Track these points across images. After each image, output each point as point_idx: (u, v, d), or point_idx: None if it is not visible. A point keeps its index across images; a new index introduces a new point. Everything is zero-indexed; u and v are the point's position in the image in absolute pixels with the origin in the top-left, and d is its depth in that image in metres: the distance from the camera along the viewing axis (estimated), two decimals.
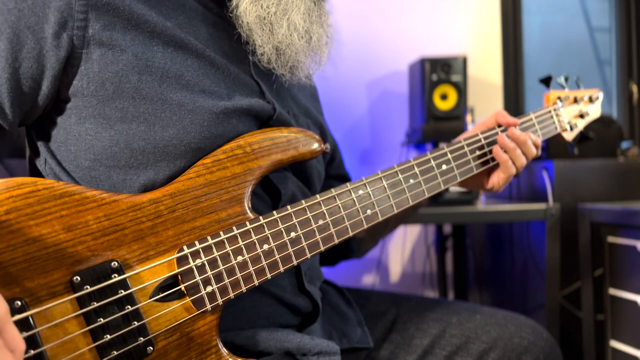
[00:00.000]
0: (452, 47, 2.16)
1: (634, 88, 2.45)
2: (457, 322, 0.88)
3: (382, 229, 1.00)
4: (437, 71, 1.81)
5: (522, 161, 0.86)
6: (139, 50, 0.63)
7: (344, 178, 0.98)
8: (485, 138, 0.87)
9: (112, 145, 0.62)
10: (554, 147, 1.71)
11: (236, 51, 0.73)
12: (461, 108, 1.86)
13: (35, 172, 0.71)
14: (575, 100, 1.02)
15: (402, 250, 2.16)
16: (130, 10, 0.63)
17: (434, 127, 1.85)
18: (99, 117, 0.62)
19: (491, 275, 2.08)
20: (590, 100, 1.03)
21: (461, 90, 1.84)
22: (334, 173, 0.96)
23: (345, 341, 0.83)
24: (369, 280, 2.12)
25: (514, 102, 2.33)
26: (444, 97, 1.86)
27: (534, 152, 0.87)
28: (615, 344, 1.46)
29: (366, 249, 1.02)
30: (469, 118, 2.02)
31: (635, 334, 1.38)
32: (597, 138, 1.76)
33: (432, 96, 1.82)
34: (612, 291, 1.47)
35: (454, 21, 2.20)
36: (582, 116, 1.02)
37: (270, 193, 0.73)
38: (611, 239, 1.47)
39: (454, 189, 1.56)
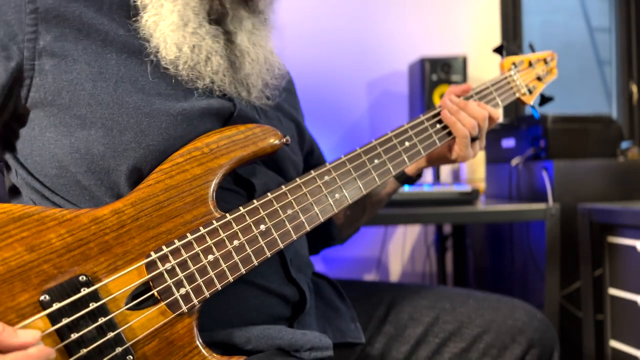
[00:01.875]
0: (452, 47, 2.16)
1: (634, 88, 2.45)
2: (450, 308, 0.89)
3: (359, 215, 1.01)
4: (437, 71, 1.81)
5: (470, 122, 0.86)
6: (92, 58, 0.64)
7: None
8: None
9: (72, 151, 0.63)
10: (553, 147, 1.71)
11: None
12: None
13: (12, 186, 0.72)
14: (530, 64, 1.04)
15: (402, 250, 2.16)
16: (81, 21, 0.65)
17: None
18: (59, 126, 0.63)
19: (491, 275, 2.08)
20: (545, 62, 1.06)
21: None
22: (314, 164, 0.97)
23: (339, 335, 0.83)
24: (369, 279, 2.12)
25: (514, 102, 2.32)
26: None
27: (482, 113, 0.87)
28: (615, 344, 1.46)
29: (347, 234, 1.03)
30: None
31: (635, 334, 1.38)
32: (597, 138, 1.76)
33: (432, 96, 1.82)
34: (612, 291, 1.47)
35: (454, 21, 2.20)
36: (539, 79, 1.04)
37: (244, 187, 0.73)
38: (611, 239, 1.47)
39: (452, 189, 1.56)
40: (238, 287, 0.69)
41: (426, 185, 1.58)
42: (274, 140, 0.71)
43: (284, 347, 0.68)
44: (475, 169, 2.05)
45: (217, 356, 0.60)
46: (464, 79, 1.84)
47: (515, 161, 1.75)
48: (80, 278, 0.54)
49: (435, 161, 0.94)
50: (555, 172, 1.63)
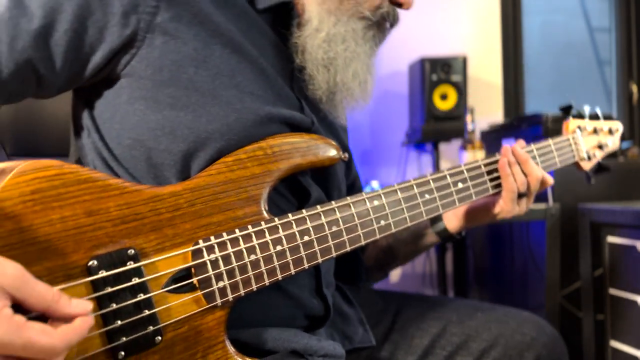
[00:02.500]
0: (452, 47, 2.16)
1: (634, 88, 2.45)
2: (457, 320, 0.88)
3: (390, 260, 0.99)
4: (437, 71, 1.81)
5: (522, 179, 0.86)
6: (199, 45, 0.66)
7: None
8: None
9: (157, 128, 0.65)
10: None
11: (284, 66, 0.76)
12: (461, 108, 1.86)
13: (79, 144, 0.73)
14: (595, 131, 1.03)
15: None
16: (199, 7, 0.67)
17: (434, 127, 1.85)
18: (150, 100, 0.65)
19: (491, 275, 2.08)
20: (610, 132, 1.05)
21: (461, 90, 1.84)
22: None
23: (347, 343, 0.82)
24: None
25: (514, 102, 2.33)
26: (444, 97, 1.86)
27: (536, 174, 0.87)
28: (615, 344, 1.46)
29: (374, 277, 1.02)
30: (469, 118, 2.02)
31: (635, 334, 1.38)
32: None
33: (432, 96, 1.82)
34: (612, 291, 1.47)
35: (454, 21, 2.20)
36: (600, 147, 1.03)
37: (298, 196, 0.74)
38: (611, 239, 1.47)
39: None
40: (272, 291, 0.69)
41: None
42: (334, 154, 0.72)
43: (299, 351, 0.68)
44: None
45: (240, 355, 0.61)
46: (464, 79, 1.84)
47: None
48: (129, 251, 0.55)
49: (478, 215, 0.91)
50: (555, 172, 1.63)
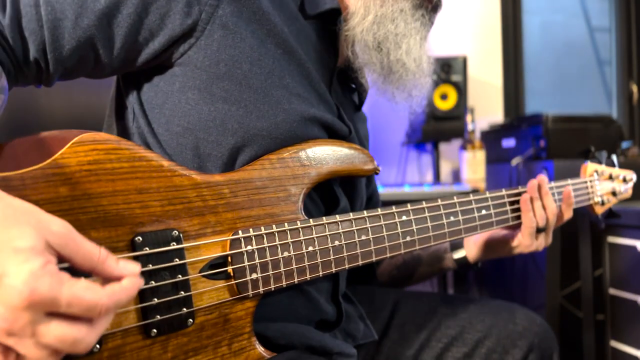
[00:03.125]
0: (452, 47, 2.16)
1: (634, 88, 2.45)
2: (451, 314, 0.90)
3: (404, 280, 1.02)
4: (437, 71, 1.81)
5: (541, 213, 0.88)
6: (256, 43, 0.68)
7: None
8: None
9: (208, 119, 0.66)
10: (553, 147, 1.71)
11: (324, 72, 0.78)
12: (461, 108, 1.86)
13: (120, 127, 0.73)
14: (611, 177, 1.07)
15: None
16: (259, 6, 0.69)
17: (434, 127, 1.85)
18: (204, 91, 0.66)
19: (491, 275, 2.08)
20: (624, 180, 1.09)
21: (461, 90, 1.84)
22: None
23: (350, 341, 0.83)
24: None
25: (514, 102, 2.33)
26: (444, 97, 1.86)
27: (553, 208, 0.90)
28: (615, 344, 1.46)
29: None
30: (469, 118, 2.02)
31: (635, 334, 1.38)
32: (597, 138, 1.76)
33: (432, 96, 1.82)
34: (612, 291, 1.47)
35: (454, 21, 2.20)
36: (614, 193, 1.07)
37: (326, 202, 0.76)
38: (611, 239, 1.47)
39: (452, 189, 1.56)
40: (293, 291, 0.71)
41: (426, 185, 1.58)
42: (369, 166, 0.75)
43: (315, 346, 0.70)
44: (475, 169, 2.05)
45: (263, 349, 0.62)
46: (464, 79, 1.84)
47: (515, 161, 1.75)
48: (173, 232, 0.56)
49: (497, 246, 0.93)
50: (555, 172, 1.63)
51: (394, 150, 2.12)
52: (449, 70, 1.82)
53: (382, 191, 1.59)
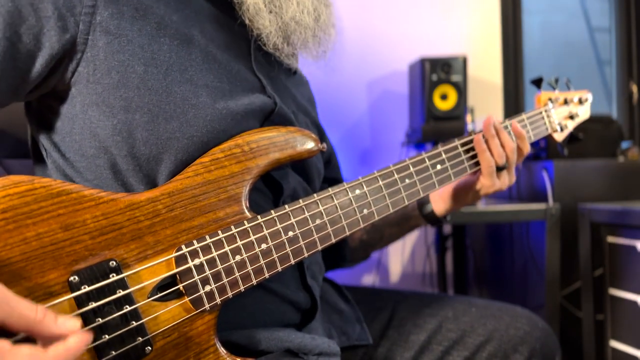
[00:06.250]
0: (452, 47, 2.16)
1: (634, 88, 2.45)
2: (452, 317, 0.89)
3: (375, 242, 1.00)
4: (437, 71, 1.81)
5: (499, 151, 0.85)
6: (145, 41, 0.63)
7: (337, 182, 0.98)
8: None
9: (114, 134, 0.62)
10: (553, 147, 1.71)
11: (239, 47, 0.73)
12: (461, 108, 1.86)
13: (40, 167, 0.71)
14: (566, 102, 1.04)
15: (402, 250, 2.16)
16: (139, 1, 0.64)
17: (434, 127, 1.85)
18: (102, 105, 0.62)
19: (491, 275, 2.08)
20: (580, 101, 1.05)
21: (461, 90, 1.84)
22: (329, 176, 0.96)
23: (344, 339, 0.83)
24: (369, 280, 2.12)
25: (514, 102, 2.33)
26: (444, 97, 1.86)
27: (511, 144, 0.87)
28: (615, 344, 1.46)
29: (357, 258, 1.02)
30: (469, 118, 2.02)
31: (635, 334, 1.38)
32: (597, 138, 1.76)
33: (432, 96, 1.82)
34: (612, 291, 1.47)
35: (454, 21, 2.20)
36: (572, 117, 1.04)
37: (272, 188, 0.73)
38: (611, 239, 1.47)
39: None
40: (256, 291, 0.68)
41: None
42: (312, 146, 0.70)
43: (293, 349, 0.68)
44: None
45: (232, 356, 0.60)
46: (464, 79, 1.84)
47: None
48: (110, 263, 0.54)
49: (461, 195, 0.92)
50: (555, 172, 1.63)
51: (394, 151, 2.12)
52: (449, 70, 1.82)
53: None
